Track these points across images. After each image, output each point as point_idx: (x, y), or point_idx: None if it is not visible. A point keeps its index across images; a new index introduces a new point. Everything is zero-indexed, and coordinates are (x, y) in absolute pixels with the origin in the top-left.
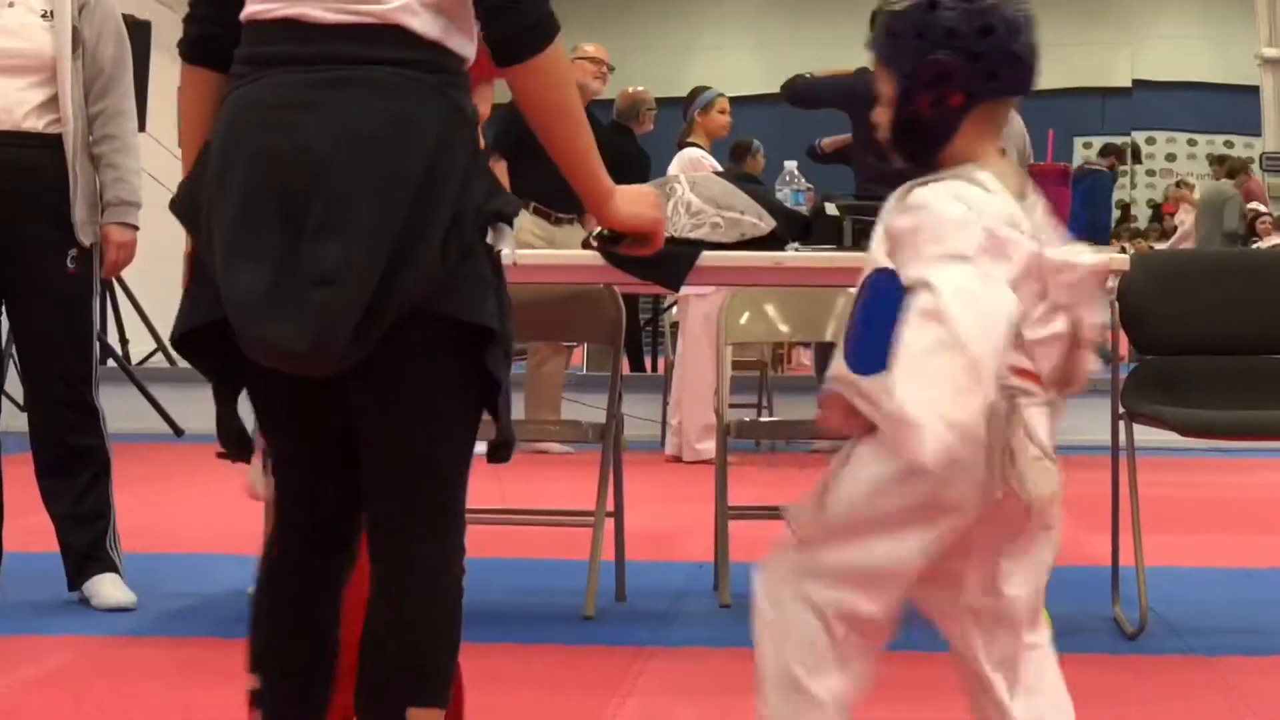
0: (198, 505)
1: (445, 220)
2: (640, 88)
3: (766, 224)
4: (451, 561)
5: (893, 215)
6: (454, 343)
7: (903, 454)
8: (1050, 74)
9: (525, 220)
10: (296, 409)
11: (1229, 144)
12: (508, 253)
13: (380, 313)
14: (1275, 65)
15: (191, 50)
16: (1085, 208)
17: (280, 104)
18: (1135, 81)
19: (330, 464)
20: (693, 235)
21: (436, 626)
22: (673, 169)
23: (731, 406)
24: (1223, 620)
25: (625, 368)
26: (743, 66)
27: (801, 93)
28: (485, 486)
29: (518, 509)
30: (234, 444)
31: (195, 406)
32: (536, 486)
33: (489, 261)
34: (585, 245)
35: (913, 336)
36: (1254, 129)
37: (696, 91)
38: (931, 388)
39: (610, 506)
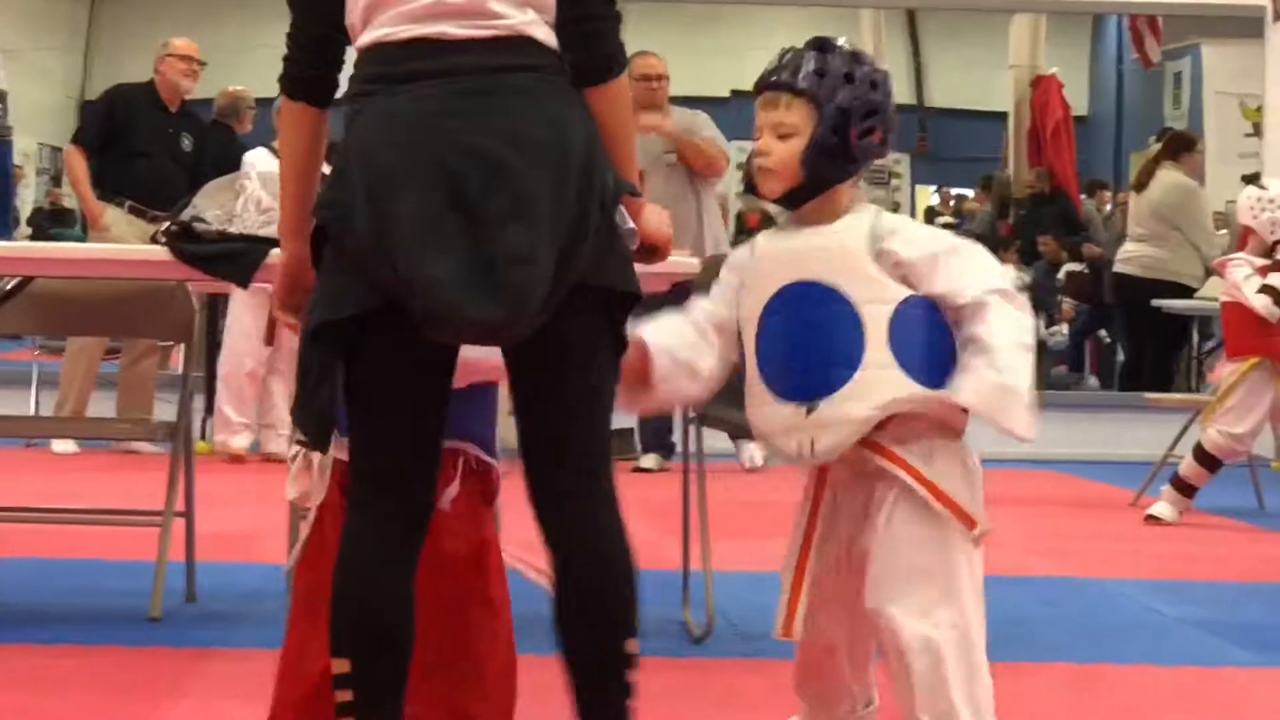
0: None
1: (598, 204)
2: (240, 87)
3: None
4: (617, 500)
5: (893, 247)
6: (606, 309)
7: (1006, 424)
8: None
9: (120, 217)
10: (413, 391)
11: None
12: (629, 228)
13: (560, 286)
14: None
15: (294, 88)
16: None
17: (435, 112)
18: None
19: (430, 443)
20: (262, 232)
21: (630, 562)
22: (245, 166)
23: None
24: None
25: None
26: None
27: None
28: (60, 486)
29: (82, 508)
30: (320, 433)
31: None
32: (125, 486)
33: (620, 236)
34: (153, 240)
35: (1019, 331)
36: None
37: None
38: (1027, 377)
39: (182, 506)
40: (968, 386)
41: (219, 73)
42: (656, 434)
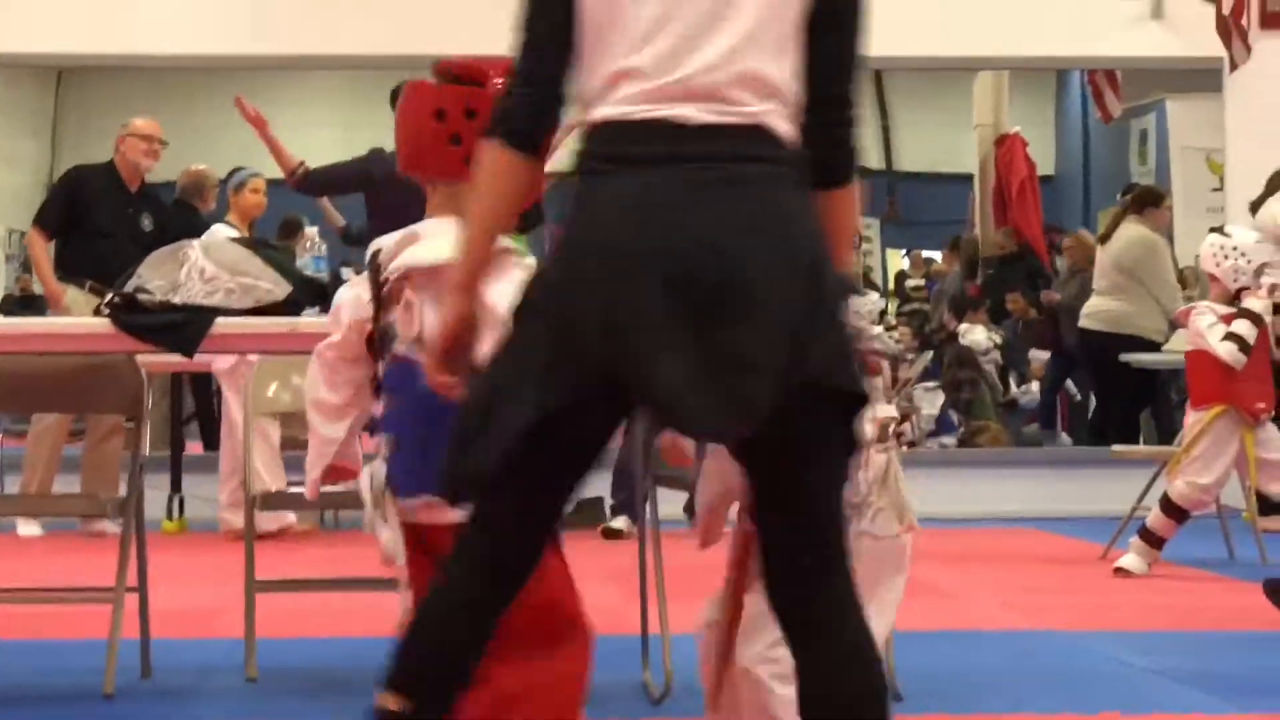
0: None
1: (827, 305)
2: (203, 166)
3: (281, 290)
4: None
5: None
6: (838, 408)
7: None
8: None
9: (80, 297)
10: (576, 460)
11: None
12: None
13: (789, 389)
14: None
15: (515, 138)
16: None
17: (674, 202)
18: None
19: (550, 519)
20: (206, 301)
21: (879, 657)
22: None
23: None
24: None
25: (199, 447)
26: (323, 145)
27: (314, 182)
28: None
29: (34, 587)
30: (472, 488)
31: None
32: (88, 567)
33: (847, 336)
34: (96, 312)
35: None
36: None
37: (233, 172)
38: None
39: (134, 581)
40: None
41: (184, 154)
42: (627, 496)
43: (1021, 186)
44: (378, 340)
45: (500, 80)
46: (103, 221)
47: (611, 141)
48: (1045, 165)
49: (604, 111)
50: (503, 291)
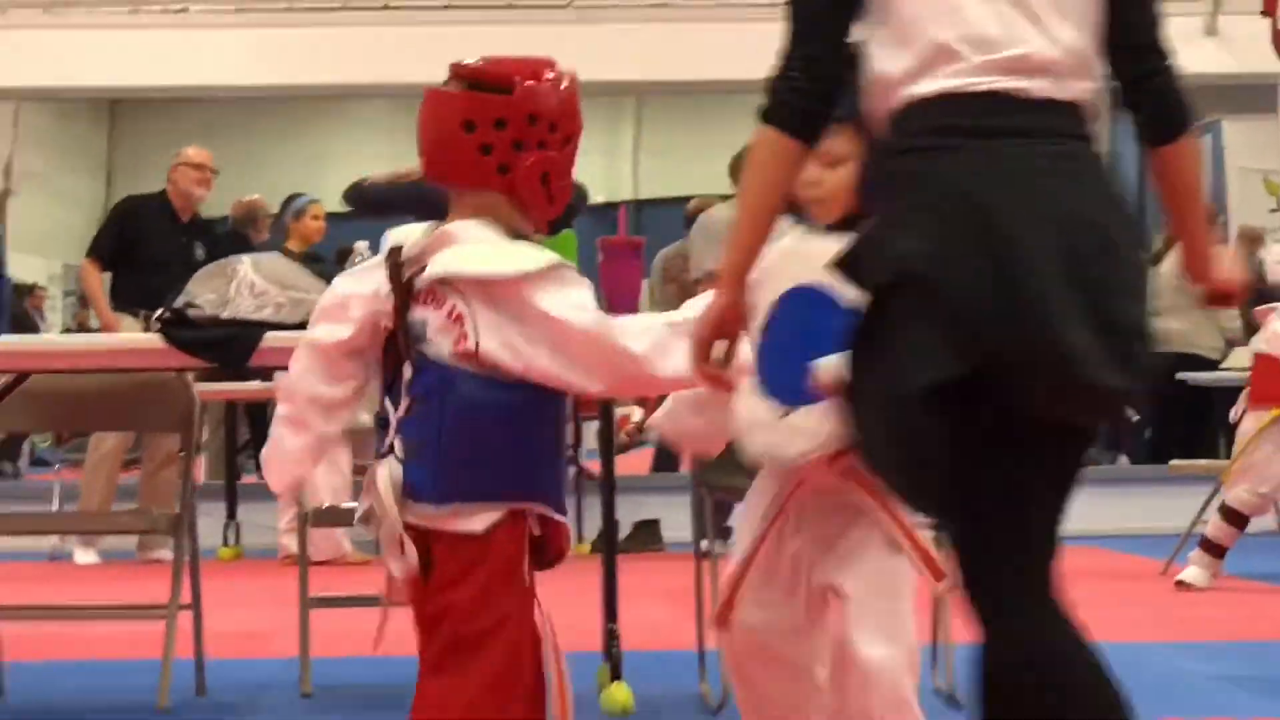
0: None
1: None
2: (256, 195)
3: None
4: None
5: None
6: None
7: None
8: None
9: (135, 328)
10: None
11: None
12: None
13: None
14: None
15: (791, 119)
16: None
17: (1037, 171)
18: None
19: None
20: (256, 316)
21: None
22: None
23: None
24: None
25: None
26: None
27: (369, 199)
28: (79, 594)
29: (84, 605)
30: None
31: None
32: (144, 593)
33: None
34: (147, 328)
35: None
36: None
37: (290, 199)
38: None
39: (188, 599)
40: None
41: (237, 186)
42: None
43: None
44: (402, 338)
45: (528, 82)
46: (155, 251)
47: (944, 114)
48: None
49: (930, 86)
50: (580, 300)
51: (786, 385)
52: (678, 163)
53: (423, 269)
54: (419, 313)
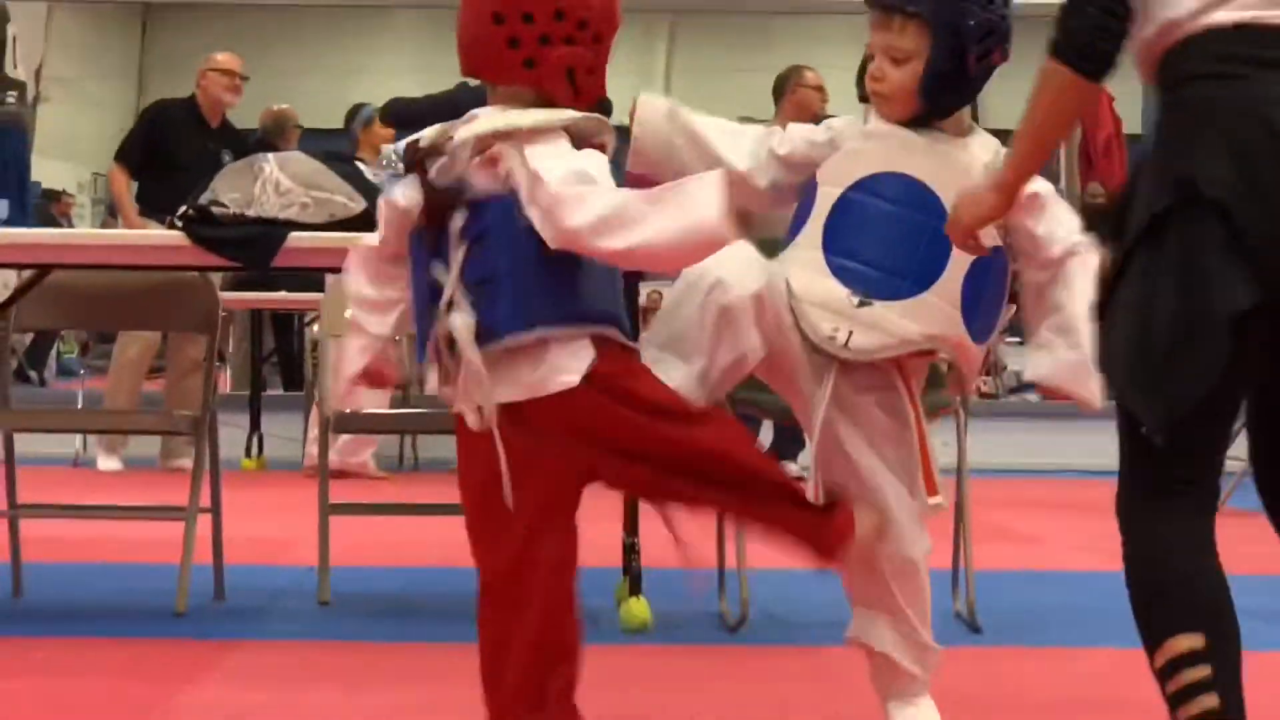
0: None
1: None
2: (285, 105)
3: (357, 205)
4: None
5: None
6: None
7: (1081, 394)
8: None
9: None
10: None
11: None
12: None
13: None
14: None
15: (1079, 57)
16: None
17: None
18: None
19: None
20: (281, 215)
21: None
22: None
23: None
24: (820, 615)
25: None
26: (408, 90)
27: (401, 114)
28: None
29: (106, 505)
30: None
31: None
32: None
33: None
34: (170, 225)
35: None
36: None
37: (356, 109)
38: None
39: (208, 502)
40: (1046, 365)
41: (266, 96)
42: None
43: (1108, 141)
44: (439, 207)
45: None
46: (183, 157)
47: (1236, 44)
48: (1132, 123)
49: (1222, 16)
50: (562, 159)
51: (860, 274)
52: (711, 86)
53: (450, 139)
54: (453, 180)
